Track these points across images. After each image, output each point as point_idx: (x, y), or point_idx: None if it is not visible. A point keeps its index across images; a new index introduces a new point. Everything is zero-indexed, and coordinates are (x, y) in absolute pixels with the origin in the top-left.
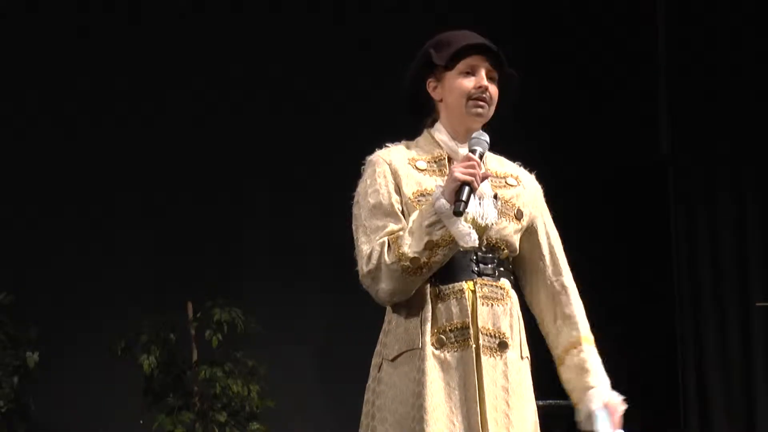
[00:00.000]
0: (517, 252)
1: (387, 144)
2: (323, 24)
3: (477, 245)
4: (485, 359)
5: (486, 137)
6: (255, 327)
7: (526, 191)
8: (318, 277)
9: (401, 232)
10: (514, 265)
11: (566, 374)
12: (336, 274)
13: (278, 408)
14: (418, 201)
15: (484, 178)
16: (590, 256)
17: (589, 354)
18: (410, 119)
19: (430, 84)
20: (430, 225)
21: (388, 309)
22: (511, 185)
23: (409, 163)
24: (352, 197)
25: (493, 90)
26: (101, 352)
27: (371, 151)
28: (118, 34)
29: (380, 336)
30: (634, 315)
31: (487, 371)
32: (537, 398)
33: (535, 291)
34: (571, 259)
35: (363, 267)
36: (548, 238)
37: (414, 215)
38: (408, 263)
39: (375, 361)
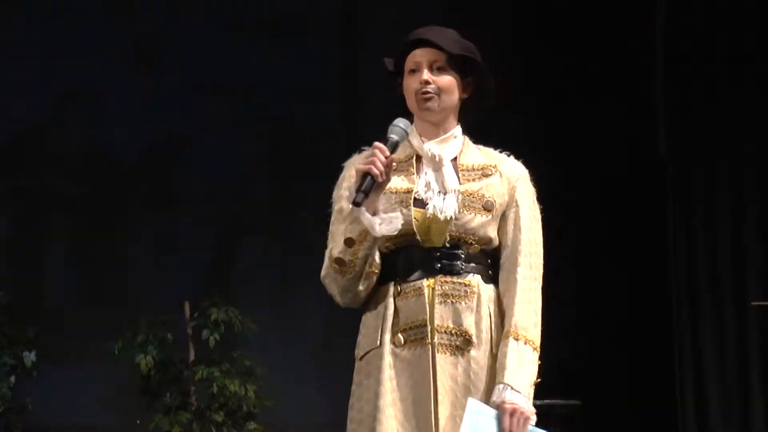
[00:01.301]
0: (493, 243)
1: (363, 148)
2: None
3: (394, 233)
4: (443, 357)
5: (402, 123)
6: (252, 327)
7: (502, 180)
8: (315, 276)
9: (333, 236)
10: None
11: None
12: None
13: (275, 407)
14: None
15: (387, 165)
16: (588, 256)
17: (508, 349)
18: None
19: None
20: (350, 222)
21: (362, 308)
22: (487, 176)
23: None
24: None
25: (440, 80)
26: (98, 351)
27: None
28: None
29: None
30: (632, 315)
31: (444, 369)
32: (535, 398)
33: (499, 279)
34: (569, 259)
35: (321, 272)
36: (514, 228)
37: (344, 215)
38: (335, 264)
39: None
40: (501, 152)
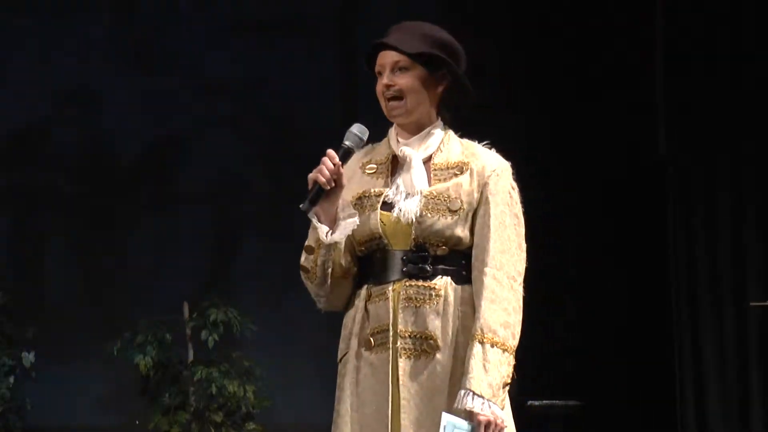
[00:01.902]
0: (465, 244)
1: (359, 149)
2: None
3: (340, 239)
4: (407, 362)
5: (357, 129)
6: (251, 327)
7: (472, 179)
8: None
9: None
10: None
11: None
12: None
13: (274, 408)
14: (358, 204)
15: (336, 172)
16: (588, 256)
17: (473, 352)
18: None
19: None
20: (311, 229)
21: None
22: (457, 174)
23: (361, 168)
24: None
25: (402, 80)
26: (97, 352)
27: None
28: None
29: None
30: (631, 315)
31: (407, 374)
32: (535, 398)
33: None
34: (569, 258)
35: None
36: (483, 227)
37: None
38: (301, 271)
39: None
40: (485, 145)
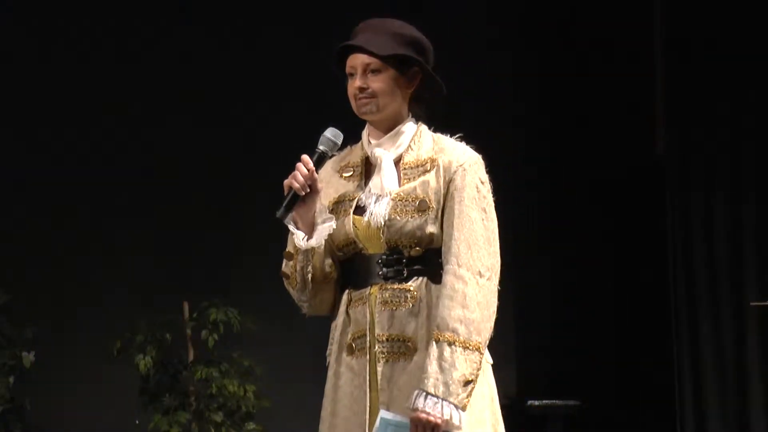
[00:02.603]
0: (438, 242)
1: (333, 153)
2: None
3: (316, 245)
4: (386, 366)
5: (330, 133)
6: (251, 327)
7: (438, 175)
8: None
9: None
10: None
11: None
12: None
13: (274, 408)
14: (335, 208)
15: (309, 178)
16: (586, 255)
17: (429, 352)
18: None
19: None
20: (289, 235)
21: None
22: (425, 172)
23: (338, 171)
24: None
25: (375, 83)
26: (97, 352)
27: None
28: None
29: None
30: (630, 315)
31: (385, 378)
32: (533, 398)
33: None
34: (568, 259)
35: None
36: (447, 225)
37: None
38: (283, 277)
39: None
40: (457, 138)
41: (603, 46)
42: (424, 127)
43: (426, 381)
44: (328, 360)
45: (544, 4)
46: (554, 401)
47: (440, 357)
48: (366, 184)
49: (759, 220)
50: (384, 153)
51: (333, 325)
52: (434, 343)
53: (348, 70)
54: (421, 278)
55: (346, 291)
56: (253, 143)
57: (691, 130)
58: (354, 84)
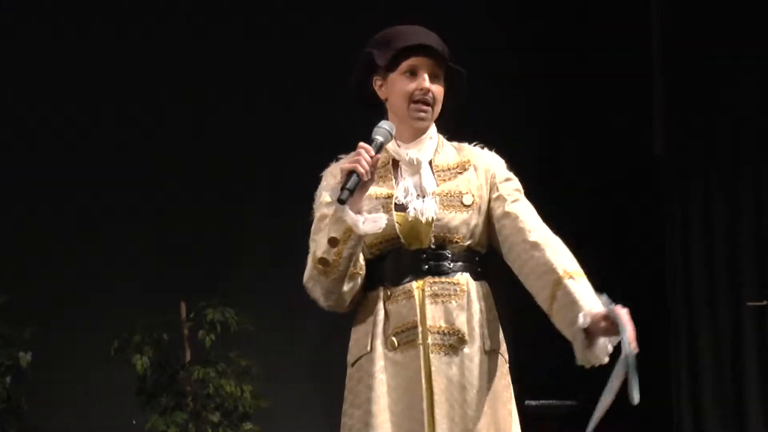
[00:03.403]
0: (479, 238)
1: (340, 156)
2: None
3: (378, 231)
4: (436, 357)
5: (387, 125)
6: (248, 327)
7: (478, 174)
8: None
9: (316, 238)
10: (500, 249)
11: (558, 317)
12: None
13: (271, 408)
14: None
15: (372, 165)
16: (582, 255)
17: (570, 289)
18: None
19: (376, 82)
20: (334, 222)
21: (351, 315)
22: (461, 173)
23: None
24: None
25: (436, 90)
26: (94, 352)
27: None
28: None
29: None
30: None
31: (440, 369)
32: (531, 398)
33: (514, 260)
34: None
35: (304, 278)
36: (507, 212)
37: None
38: (320, 265)
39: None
40: (475, 146)
41: (601, 46)
42: (441, 135)
43: (586, 305)
44: (355, 358)
45: (543, 4)
46: (551, 401)
47: (582, 287)
48: (396, 184)
49: (756, 221)
50: (419, 156)
51: (362, 323)
52: (567, 280)
53: (408, 68)
54: (465, 273)
55: (381, 287)
56: (252, 144)
57: (689, 130)
58: (421, 84)
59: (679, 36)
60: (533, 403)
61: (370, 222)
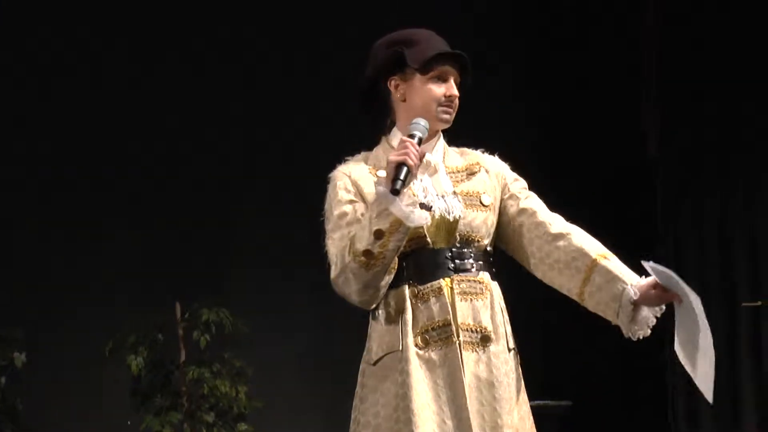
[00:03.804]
0: (493, 238)
1: (346, 158)
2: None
3: (428, 223)
4: (467, 355)
5: (423, 122)
6: (243, 328)
7: (490, 176)
8: (306, 277)
9: (354, 231)
10: (515, 248)
11: (596, 298)
12: (324, 274)
13: (266, 409)
14: None
15: (421, 157)
16: None
17: (610, 266)
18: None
19: (392, 82)
20: (378, 215)
21: (371, 314)
22: (474, 174)
23: (370, 172)
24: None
25: (458, 96)
26: (89, 352)
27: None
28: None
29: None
30: None
31: (469, 367)
32: (530, 398)
33: (540, 257)
34: None
35: (332, 274)
36: (525, 208)
37: (365, 211)
38: (362, 257)
39: (361, 366)
40: (476, 150)
41: (594, 47)
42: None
43: (629, 279)
44: (379, 356)
45: (538, 8)
46: (547, 402)
47: (618, 264)
48: (412, 184)
49: (749, 222)
50: (434, 158)
51: (387, 320)
52: (604, 260)
53: (439, 73)
54: (486, 272)
55: (405, 285)
56: (248, 145)
57: (682, 133)
58: (450, 91)
59: (673, 37)
60: (532, 403)
61: (419, 214)
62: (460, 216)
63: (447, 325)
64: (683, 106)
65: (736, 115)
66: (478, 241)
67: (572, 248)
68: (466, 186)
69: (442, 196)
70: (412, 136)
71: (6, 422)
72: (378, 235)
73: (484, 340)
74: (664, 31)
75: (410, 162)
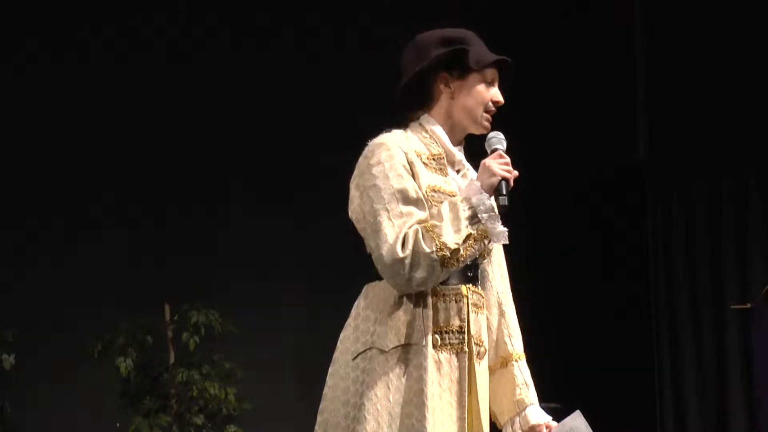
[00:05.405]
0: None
1: (388, 129)
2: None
3: (504, 242)
4: (476, 365)
5: (501, 135)
6: (232, 329)
7: None
8: (295, 278)
9: (435, 222)
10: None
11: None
12: (313, 275)
13: (255, 410)
14: (432, 196)
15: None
16: (567, 259)
17: (524, 371)
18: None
19: (443, 79)
20: (469, 219)
21: (372, 294)
22: None
23: (417, 156)
24: (350, 178)
25: None
26: (78, 354)
27: (348, 157)
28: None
29: (358, 323)
30: (610, 317)
31: (479, 377)
32: None
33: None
34: (548, 262)
35: (393, 251)
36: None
37: (444, 207)
38: (448, 253)
39: (355, 348)
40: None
41: (585, 49)
42: None
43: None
44: (393, 345)
45: (524, 7)
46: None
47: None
48: (450, 181)
49: (738, 224)
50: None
51: (404, 312)
52: (524, 362)
53: (491, 77)
54: (482, 287)
55: None
56: (236, 147)
57: (671, 135)
58: (497, 97)
59: (662, 40)
60: None
61: (505, 236)
62: None
63: (462, 332)
64: (672, 109)
65: (725, 117)
66: (488, 253)
67: (510, 325)
68: None
69: None
70: (495, 150)
71: None
72: (468, 238)
73: (481, 354)
74: (655, 34)
75: (509, 176)
